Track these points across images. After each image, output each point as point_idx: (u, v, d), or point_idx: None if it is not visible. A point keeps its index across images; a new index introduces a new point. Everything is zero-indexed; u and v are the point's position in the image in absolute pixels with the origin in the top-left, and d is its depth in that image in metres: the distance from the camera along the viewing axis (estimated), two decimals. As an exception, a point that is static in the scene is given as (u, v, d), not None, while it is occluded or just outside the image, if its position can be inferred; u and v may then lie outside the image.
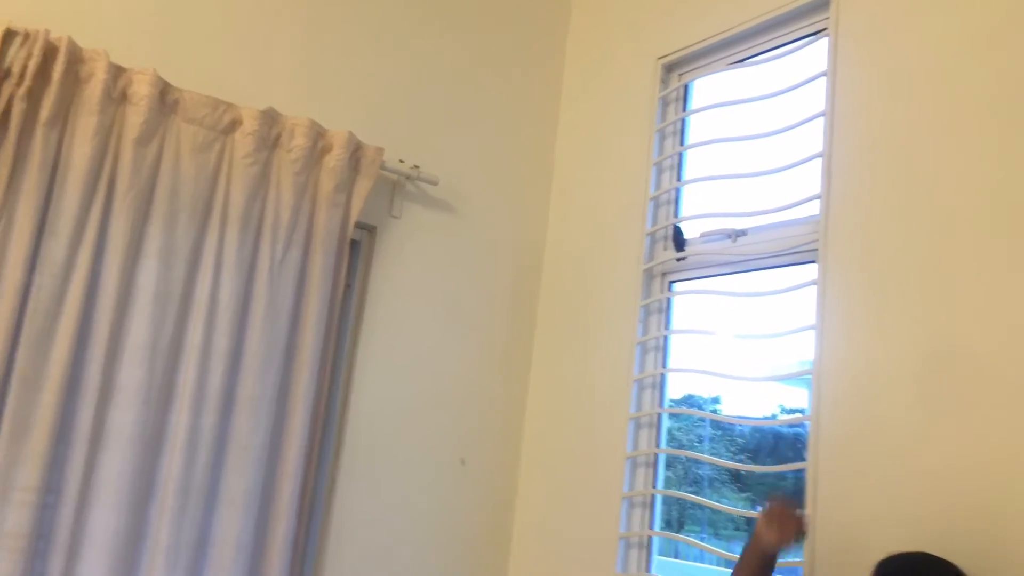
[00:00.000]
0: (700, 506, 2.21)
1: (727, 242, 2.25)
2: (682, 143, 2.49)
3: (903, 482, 1.67)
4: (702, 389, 2.36)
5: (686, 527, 2.36)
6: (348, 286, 2.39)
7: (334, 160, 2.22)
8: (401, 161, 2.46)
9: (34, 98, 1.86)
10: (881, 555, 1.47)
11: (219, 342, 2.02)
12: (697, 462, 2.29)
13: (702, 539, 2.24)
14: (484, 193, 2.66)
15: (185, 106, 2.05)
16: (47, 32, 1.86)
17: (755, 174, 2.20)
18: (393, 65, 2.52)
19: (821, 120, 2.03)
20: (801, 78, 2.13)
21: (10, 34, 1.84)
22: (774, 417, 2.13)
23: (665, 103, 2.52)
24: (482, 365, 2.59)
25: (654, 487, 2.28)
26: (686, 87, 2.51)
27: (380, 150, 2.31)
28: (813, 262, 1.99)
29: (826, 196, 1.96)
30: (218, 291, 2.04)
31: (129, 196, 1.94)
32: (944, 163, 1.75)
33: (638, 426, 2.33)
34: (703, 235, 2.32)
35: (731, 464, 2.13)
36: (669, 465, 2.34)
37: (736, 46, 2.35)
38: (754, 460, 2.23)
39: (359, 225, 2.39)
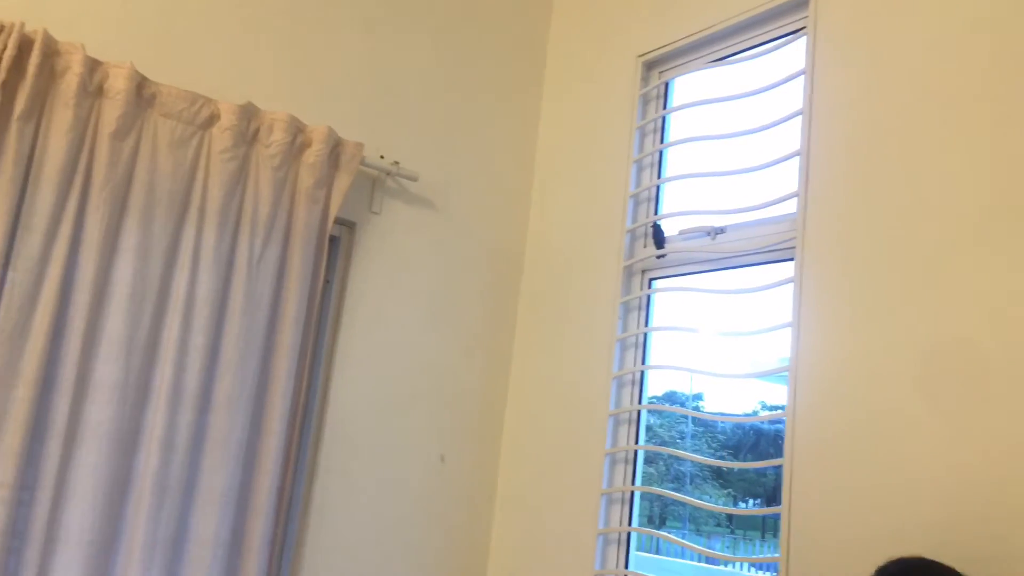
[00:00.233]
0: (682, 502, 2.22)
1: (706, 239, 2.26)
2: (662, 141, 2.50)
3: (880, 477, 1.69)
4: (684, 385, 2.37)
5: (668, 523, 2.37)
6: (327, 282, 2.38)
7: (313, 155, 2.21)
8: (381, 157, 2.45)
9: (8, 91, 1.83)
10: (857, 550, 1.48)
11: (196, 338, 2.01)
12: (679, 458, 2.30)
13: (683, 535, 2.26)
14: (465, 190, 2.65)
15: (162, 100, 2.03)
16: (22, 24, 1.84)
17: (734, 172, 2.21)
18: (373, 60, 2.51)
19: (799, 119, 2.05)
20: (780, 77, 2.14)
21: (-16, 26, 1.82)
22: (755, 414, 2.15)
23: (645, 101, 2.53)
24: (462, 362, 2.59)
25: (633, 483, 2.29)
26: (666, 85, 2.52)
27: (360, 145, 2.30)
28: (791, 259, 2.01)
29: (803, 194, 1.97)
30: (195, 287, 2.03)
31: (105, 191, 1.93)
32: (920, 161, 1.77)
33: (617, 423, 2.34)
34: (682, 232, 2.33)
35: (709, 460, 2.15)
36: (651, 462, 2.35)
37: (716, 44, 2.36)
38: (735, 456, 2.24)
39: (338, 221, 2.38)
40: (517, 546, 2.49)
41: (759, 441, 2.20)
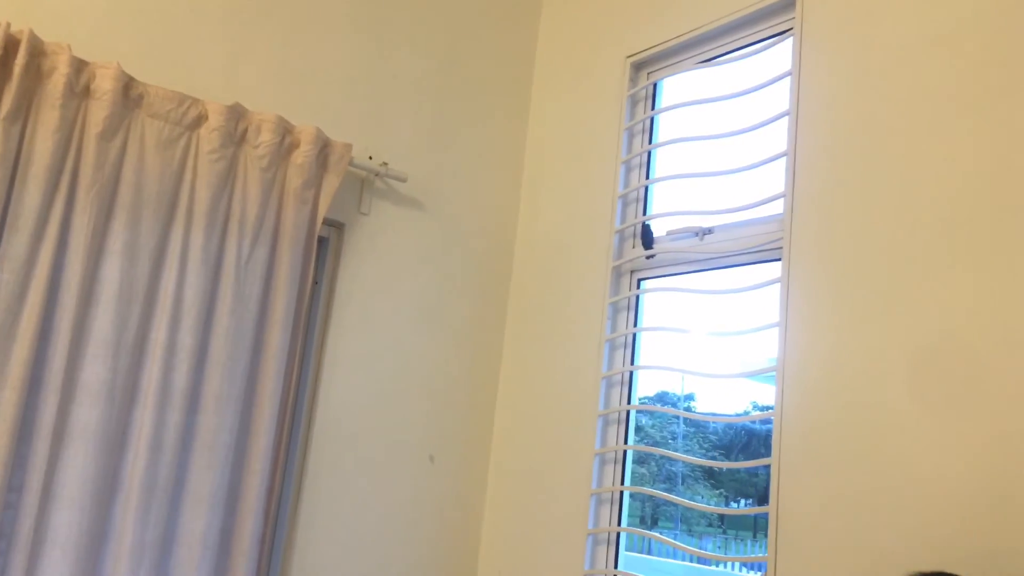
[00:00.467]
0: (673, 502, 2.23)
1: (695, 240, 2.27)
2: (650, 141, 2.50)
3: (868, 476, 1.70)
4: (676, 386, 2.38)
5: (660, 523, 2.37)
6: (316, 283, 2.38)
7: (302, 156, 2.21)
8: (370, 158, 2.45)
9: (-5, 92, 1.83)
10: (845, 549, 1.49)
11: (184, 339, 2.00)
12: (671, 459, 2.30)
13: (675, 535, 2.26)
14: (454, 190, 2.66)
15: (150, 101, 2.03)
16: (8, 25, 1.84)
17: (722, 173, 2.21)
18: (362, 61, 2.51)
19: (786, 119, 2.05)
20: (767, 78, 2.15)
21: (-30, 27, 1.81)
22: (746, 413, 2.15)
23: (634, 101, 2.54)
24: (452, 362, 2.59)
25: (622, 484, 2.29)
26: (655, 86, 2.53)
27: (348, 146, 2.30)
28: (778, 260, 2.02)
29: (790, 195, 1.98)
30: (183, 288, 2.02)
31: (92, 191, 1.92)
32: (907, 162, 1.78)
33: (606, 423, 2.35)
34: (670, 233, 2.34)
35: (697, 460, 2.15)
36: (643, 462, 2.35)
37: (704, 45, 2.37)
38: (727, 457, 2.25)
39: (327, 222, 2.38)
40: (507, 546, 2.50)
41: (751, 441, 2.21)
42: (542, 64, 2.89)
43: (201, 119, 2.09)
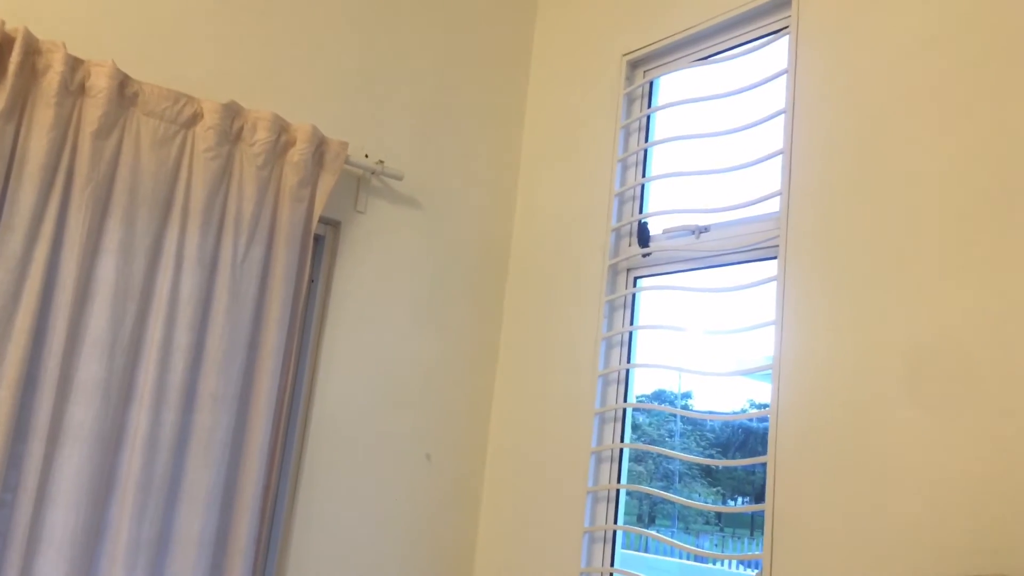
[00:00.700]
0: (670, 500, 2.23)
1: (691, 238, 2.27)
2: (647, 140, 2.50)
3: (863, 474, 1.70)
4: (673, 384, 2.38)
5: (658, 521, 2.38)
6: (312, 281, 2.38)
7: (298, 154, 2.21)
8: (366, 156, 2.45)
9: (-11, 90, 1.83)
10: (840, 546, 1.49)
11: (180, 338, 2.00)
12: (669, 457, 2.30)
13: (672, 533, 2.26)
14: (450, 188, 2.65)
15: (145, 99, 2.02)
16: (2, 23, 1.83)
17: (718, 171, 2.22)
18: (358, 58, 2.50)
19: (782, 117, 2.06)
20: (763, 76, 2.15)
21: (-36, 25, 1.81)
22: (743, 411, 2.15)
23: (630, 100, 2.54)
24: (448, 360, 2.59)
25: (619, 481, 2.29)
26: (651, 84, 2.53)
27: (344, 144, 2.30)
28: (774, 258, 2.02)
29: (786, 193, 1.98)
30: (179, 286, 2.02)
31: (87, 190, 1.92)
32: (903, 160, 1.78)
33: (603, 421, 2.35)
34: (666, 231, 2.34)
35: (692, 458, 2.15)
36: (641, 460, 2.36)
37: (700, 43, 2.37)
38: (724, 455, 2.25)
39: (323, 220, 2.38)
40: (503, 544, 2.50)
41: (748, 439, 2.21)
42: (538, 62, 2.89)
43: (196, 117, 2.09)
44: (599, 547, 2.27)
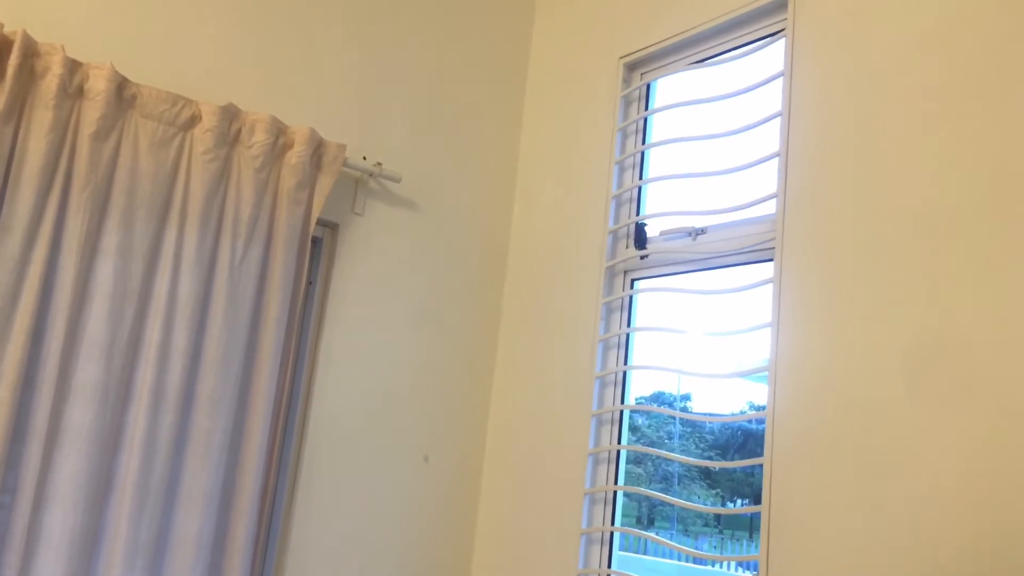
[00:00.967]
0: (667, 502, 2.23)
1: (688, 240, 2.28)
2: (644, 142, 2.51)
3: (860, 475, 1.70)
4: (672, 386, 2.38)
5: (657, 523, 2.38)
6: (310, 283, 2.38)
7: (295, 157, 2.21)
8: (364, 158, 2.46)
9: (-12, 93, 1.83)
10: (837, 548, 1.49)
11: (178, 340, 2.01)
12: (667, 459, 2.31)
13: (671, 535, 2.27)
14: (448, 191, 2.66)
15: (143, 101, 2.03)
16: (1, 26, 1.84)
17: (714, 173, 2.22)
18: (356, 61, 2.51)
19: (778, 120, 2.06)
20: (760, 78, 2.16)
21: (-37, 27, 1.81)
22: (742, 413, 2.16)
23: (627, 102, 2.54)
24: (445, 362, 2.59)
25: (616, 483, 2.30)
26: (648, 86, 2.53)
27: (342, 147, 2.30)
28: (771, 260, 2.02)
29: (782, 195, 1.99)
30: (177, 288, 2.02)
31: (86, 192, 1.92)
32: (899, 161, 1.79)
33: (600, 423, 2.35)
34: (663, 233, 2.34)
35: (689, 460, 2.16)
36: (639, 462, 2.36)
37: (696, 46, 2.38)
38: (723, 457, 2.25)
39: (321, 222, 2.38)
40: (501, 546, 2.50)
41: (747, 441, 2.21)
42: (536, 65, 2.90)
43: (195, 120, 2.10)
44: (596, 548, 2.28)
